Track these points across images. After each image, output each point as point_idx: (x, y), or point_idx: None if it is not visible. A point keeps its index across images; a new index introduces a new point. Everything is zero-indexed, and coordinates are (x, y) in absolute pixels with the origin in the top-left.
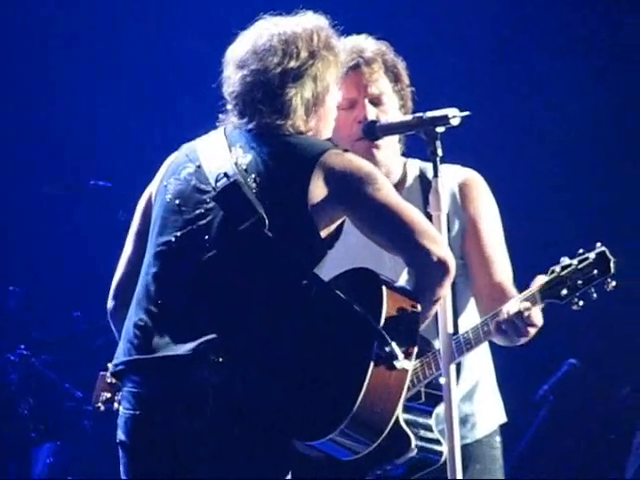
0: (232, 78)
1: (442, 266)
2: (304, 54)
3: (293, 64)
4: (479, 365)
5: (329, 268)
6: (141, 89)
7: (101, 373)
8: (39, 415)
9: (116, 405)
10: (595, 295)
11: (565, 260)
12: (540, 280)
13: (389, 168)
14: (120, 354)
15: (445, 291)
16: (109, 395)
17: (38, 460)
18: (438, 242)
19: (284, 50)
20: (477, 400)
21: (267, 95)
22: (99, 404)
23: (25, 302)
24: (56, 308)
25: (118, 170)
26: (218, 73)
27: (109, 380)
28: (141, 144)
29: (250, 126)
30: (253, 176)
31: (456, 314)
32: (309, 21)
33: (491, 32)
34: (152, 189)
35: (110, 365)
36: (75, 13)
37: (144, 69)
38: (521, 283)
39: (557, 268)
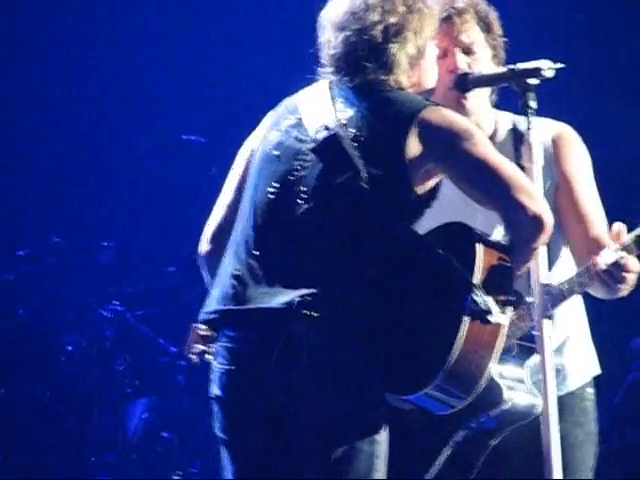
0: (332, 41)
1: (538, 222)
2: (402, 8)
3: (393, 20)
4: (570, 318)
5: (424, 222)
6: (231, 40)
7: (194, 325)
8: (134, 371)
9: (208, 357)
10: None
11: None
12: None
13: (479, 120)
14: (213, 302)
15: (539, 246)
16: (202, 347)
17: (133, 415)
18: (535, 197)
19: (382, 7)
20: (568, 352)
21: (372, 52)
22: (192, 356)
23: (119, 257)
24: (151, 263)
25: (212, 125)
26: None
27: (202, 332)
28: (234, 99)
29: (354, 83)
30: (353, 130)
31: (550, 266)
32: None
33: None
34: (254, 140)
35: (202, 312)
36: None
37: (237, 25)
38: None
39: None
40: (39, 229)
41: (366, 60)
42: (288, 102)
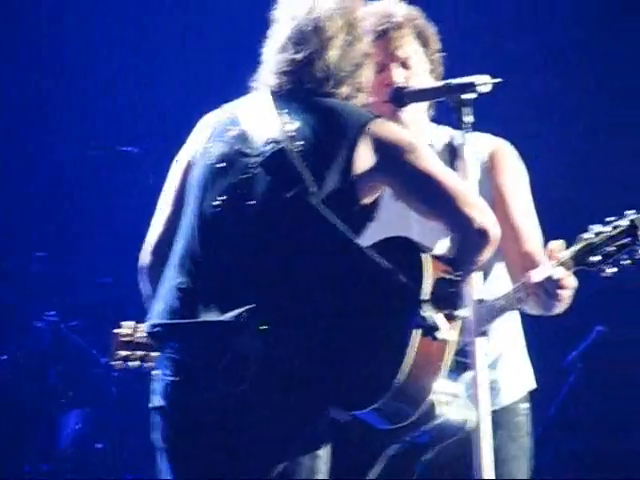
0: (277, 50)
1: (484, 234)
2: (341, 22)
3: (333, 32)
4: (506, 333)
5: (371, 237)
6: (169, 54)
7: (114, 331)
8: (67, 382)
9: (133, 364)
10: (627, 262)
11: (597, 227)
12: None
13: (416, 134)
14: (158, 315)
15: (485, 258)
16: (125, 353)
17: (66, 427)
18: (481, 210)
19: (325, 21)
20: (502, 368)
21: (313, 63)
22: (116, 362)
23: (54, 267)
24: (86, 274)
25: (147, 135)
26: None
27: (124, 339)
28: (168, 109)
29: (297, 93)
30: (300, 143)
31: (485, 280)
32: None
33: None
34: (191, 150)
35: (146, 324)
36: None
37: (177, 32)
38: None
39: (589, 235)
40: None
41: (308, 71)
42: (227, 111)
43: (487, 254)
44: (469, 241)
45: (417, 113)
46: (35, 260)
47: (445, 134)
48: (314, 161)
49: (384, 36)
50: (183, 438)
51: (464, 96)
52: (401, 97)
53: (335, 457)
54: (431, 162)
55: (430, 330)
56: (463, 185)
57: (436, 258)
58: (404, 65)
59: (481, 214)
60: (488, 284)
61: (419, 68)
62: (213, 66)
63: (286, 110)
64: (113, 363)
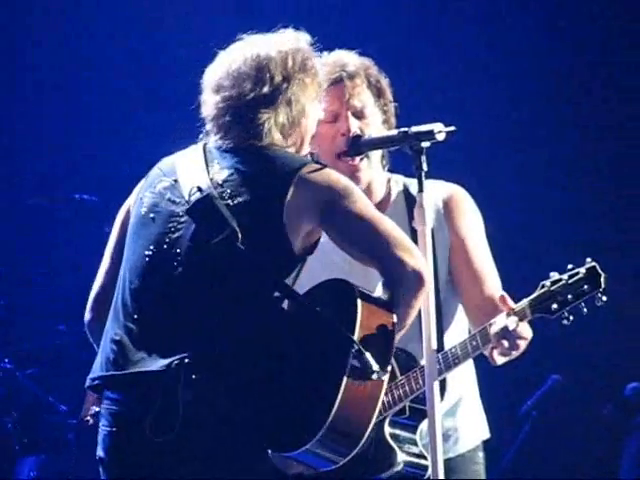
0: (208, 102)
1: (417, 277)
2: (278, 79)
3: (266, 90)
4: (463, 381)
5: (306, 280)
6: (126, 101)
7: (86, 388)
8: (23, 428)
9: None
10: (585, 310)
11: (555, 275)
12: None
13: (372, 184)
14: (97, 368)
15: (420, 302)
16: (98, 409)
17: (22, 474)
18: (413, 253)
19: (257, 76)
20: (460, 415)
21: (241, 120)
22: (88, 417)
23: (9, 315)
24: (41, 321)
25: (104, 184)
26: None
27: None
28: (127, 158)
29: (227, 145)
30: (229, 190)
31: (442, 330)
32: (287, 41)
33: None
34: (130, 202)
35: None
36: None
37: (130, 83)
38: (512, 298)
39: (547, 282)
40: None
41: (237, 125)
42: (164, 164)
43: (421, 297)
44: (403, 285)
45: (371, 164)
46: None
47: (400, 182)
48: (243, 208)
49: (337, 85)
50: None
51: (423, 144)
52: (357, 145)
53: None
54: (364, 206)
55: (362, 370)
56: (396, 229)
57: (372, 300)
58: (359, 114)
59: (413, 258)
60: (448, 329)
61: (373, 118)
62: (169, 116)
63: (217, 160)
64: (86, 419)
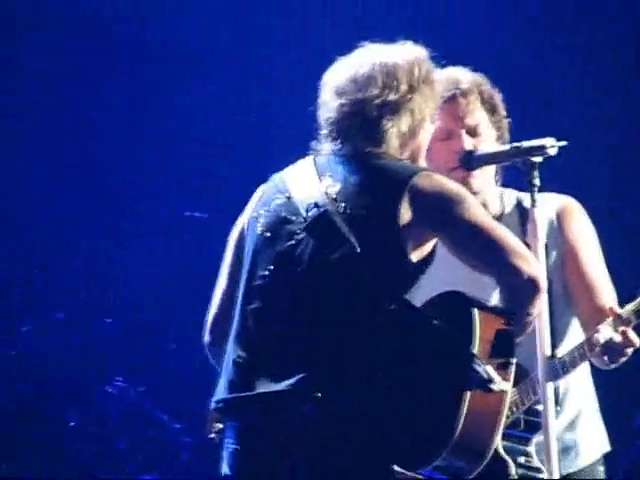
0: (329, 104)
1: (533, 285)
2: (404, 87)
3: (392, 97)
4: (582, 393)
5: (422, 293)
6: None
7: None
8: (137, 448)
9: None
10: None
11: None
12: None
13: (486, 198)
14: (221, 391)
15: (537, 309)
16: (222, 426)
17: None
18: (528, 260)
19: (384, 82)
20: (580, 428)
21: (363, 125)
22: (212, 435)
23: (122, 333)
24: (155, 339)
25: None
26: (305, 100)
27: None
28: (235, 172)
29: (342, 152)
30: (343, 204)
31: (555, 339)
32: (410, 52)
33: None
34: (243, 221)
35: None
36: None
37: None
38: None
39: None
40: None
41: (357, 130)
42: (276, 180)
43: (538, 304)
44: (518, 293)
45: (486, 177)
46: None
47: (513, 197)
48: (359, 221)
49: (451, 103)
50: None
51: (534, 159)
52: (470, 161)
53: None
54: (478, 213)
55: (484, 383)
56: (510, 236)
57: (488, 310)
58: (473, 132)
59: (529, 265)
60: (563, 340)
61: (487, 135)
62: (277, 130)
63: (329, 172)
64: (211, 436)
